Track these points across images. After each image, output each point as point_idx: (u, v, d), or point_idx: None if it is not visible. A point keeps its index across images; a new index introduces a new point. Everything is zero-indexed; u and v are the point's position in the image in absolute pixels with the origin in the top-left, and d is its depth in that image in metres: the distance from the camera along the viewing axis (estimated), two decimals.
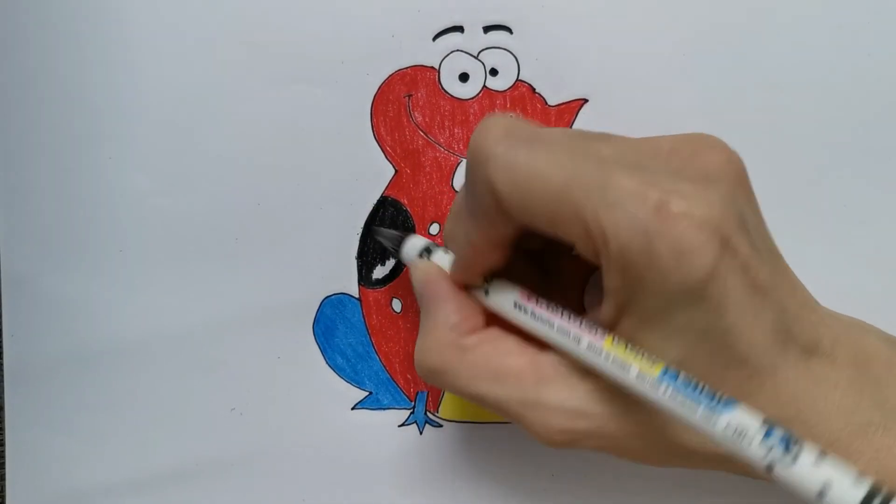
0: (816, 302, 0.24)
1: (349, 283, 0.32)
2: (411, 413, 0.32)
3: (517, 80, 0.31)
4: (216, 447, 0.32)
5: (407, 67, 0.31)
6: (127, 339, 0.32)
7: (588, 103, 0.31)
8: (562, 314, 0.24)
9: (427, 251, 0.27)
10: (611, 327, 0.22)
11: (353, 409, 0.32)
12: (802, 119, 0.31)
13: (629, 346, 0.22)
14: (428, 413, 0.32)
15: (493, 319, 0.26)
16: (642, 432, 0.23)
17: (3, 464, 0.32)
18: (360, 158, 0.31)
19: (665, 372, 0.21)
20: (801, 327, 0.23)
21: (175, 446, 0.32)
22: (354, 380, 0.32)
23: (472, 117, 0.31)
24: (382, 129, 0.31)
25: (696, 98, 0.31)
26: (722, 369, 0.22)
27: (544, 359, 0.24)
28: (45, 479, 0.32)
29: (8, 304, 0.32)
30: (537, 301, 0.24)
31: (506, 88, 0.31)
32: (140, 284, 0.32)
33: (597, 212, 0.20)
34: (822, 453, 0.19)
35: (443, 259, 0.27)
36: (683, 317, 0.21)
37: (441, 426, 0.32)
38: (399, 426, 0.32)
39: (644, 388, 0.21)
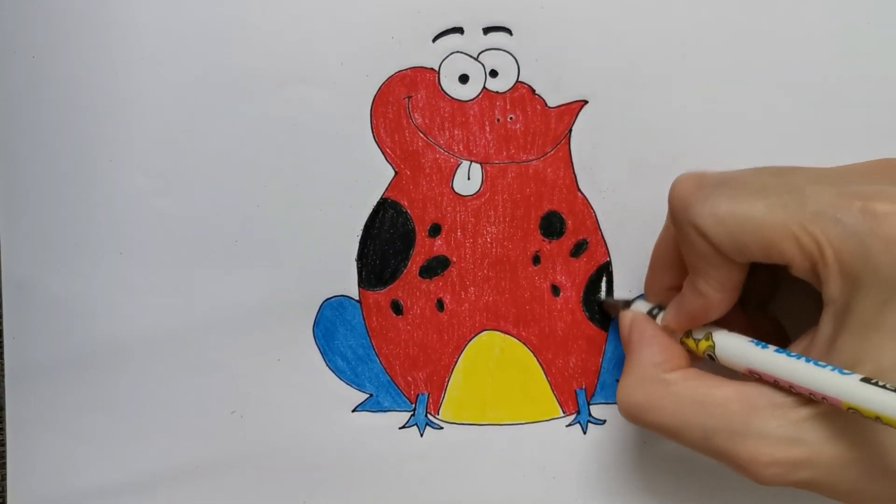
0: None
1: (349, 286, 0.32)
2: (412, 415, 0.32)
3: (517, 81, 0.31)
4: (216, 449, 0.32)
5: (407, 69, 0.31)
6: (127, 341, 0.32)
7: (588, 104, 0.31)
8: (798, 359, 0.23)
9: (626, 304, 0.29)
10: (829, 345, 0.22)
11: (353, 411, 0.32)
12: (802, 119, 0.31)
13: (879, 383, 0.21)
14: (428, 415, 0.32)
15: (698, 358, 0.26)
16: (860, 458, 0.22)
17: (4, 464, 0.32)
18: (359, 160, 0.31)
19: None
20: None
21: (175, 448, 0.32)
22: (355, 382, 0.32)
23: (471, 119, 0.31)
24: (382, 130, 0.31)
25: (696, 98, 0.31)
26: None
27: (753, 389, 0.24)
28: (45, 480, 0.32)
29: (9, 306, 0.32)
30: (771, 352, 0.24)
31: (506, 90, 0.31)
32: (140, 286, 0.32)
33: (805, 225, 0.21)
34: None
35: (644, 307, 0.28)
36: None
37: (441, 428, 0.32)
38: (400, 428, 0.32)
39: None
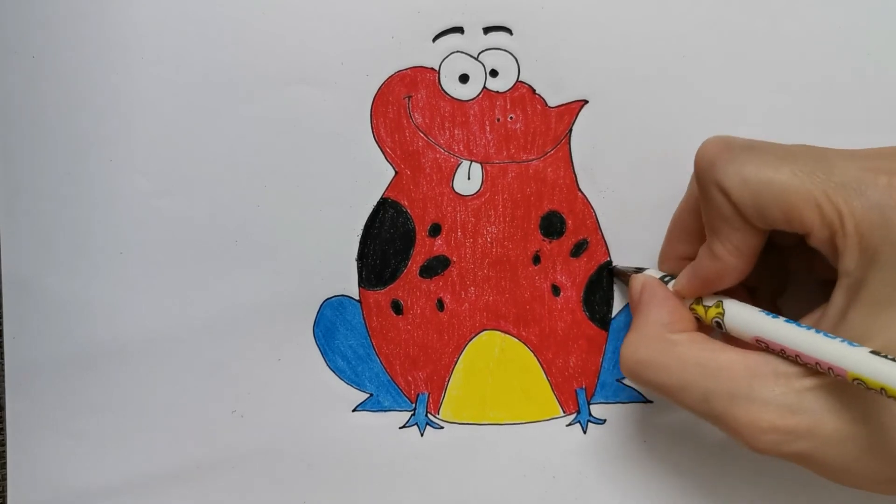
0: None
1: (349, 285, 0.32)
2: (412, 415, 0.32)
3: (517, 81, 0.31)
4: (217, 449, 0.32)
5: (407, 69, 0.31)
6: (127, 341, 0.32)
7: (588, 104, 0.31)
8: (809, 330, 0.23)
9: (638, 269, 0.29)
10: (840, 319, 0.22)
11: (353, 410, 0.32)
12: (802, 120, 0.31)
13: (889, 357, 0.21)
14: (429, 415, 0.32)
15: (705, 327, 0.26)
16: (859, 434, 0.22)
17: (4, 464, 0.32)
18: (359, 160, 0.31)
19: None
20: None
21: (176, 448, 0.32)
22: (355, 382, 0.32)
23: (471, 118, 0.31)
24: (382, 130, 0.31)
25: (695, 98, 0.31)
26: None
27: (758, 357, 0.24)
28: (45, 480, 0.32)
29: (9, 306, 0.32)
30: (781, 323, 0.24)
31: (506, 89, 0.31)
32: (140, 286, 0.32)
33: (829, 194, 0.21)
34: None
35: (656, 273, 0.28)
36: None
37: (442, 428, 0.32)
38: (400, 428, 0.32)
39: None
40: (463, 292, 0.31)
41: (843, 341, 0.21)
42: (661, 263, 0.30)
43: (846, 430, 0.22)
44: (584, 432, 0.32)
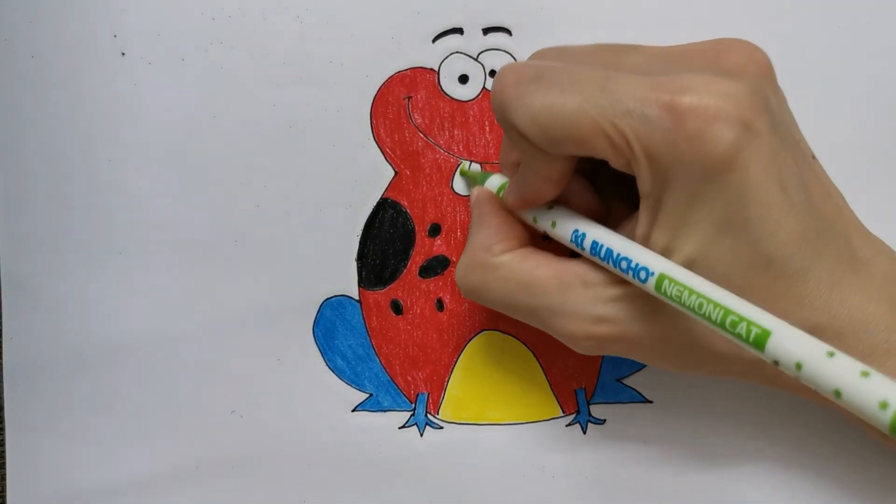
0: (853, 215, 0.24)
1: (349, 285, 0.32)
2: (412, 415, 0.32)
3: None
4: (216, 449, 0.32)
5: (406, 69, 0.31)
6: (127, 341, 0.32)
7: None
8: (620, 243, 0.24)
9: (484, 177, 0.29)
10: (645, 237, 0.23)
11: (353, 411, 0.32)
12: (802, 120, 0.30)
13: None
14: (428, 415, 0.32)
15: (533, 239, 0.27)
16: (667, 335, 0.23)
17: (4, 464, 0.32)
18: (359, 160, 0.31)
19: None
20: (835, 234, 0.23)
21: (175, 448, 0.32)
22: (355, 382, 0.32)
23: (471, 119, 0.31)
24: (382, 130, 0.31)
25: None
26: (746, 267, 0.22)
27: (569, 269, 0.25)
28: (45, 480, 0.32)
29: (8, 306, 0.32)
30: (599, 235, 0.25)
31: None
32: (139, 286, 0.32)
33: (614, 122, 0.21)
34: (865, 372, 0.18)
35: (496, 182, 0.28)
36: (706, 207, 0.21)
37: (441, 428, 0.32)
38: (399, 428, 0.32)
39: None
40: None
41: (643, 252, 0.23)
42: (502, 169, 0.29)
43: (652, 334, 0.24)
44: (584, 432, 0.32)
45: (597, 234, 0.24)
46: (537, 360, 0.32)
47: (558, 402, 0.32)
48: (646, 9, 0.31)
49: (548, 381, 0.32)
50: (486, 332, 0.32)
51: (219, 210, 0.31)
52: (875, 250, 0.24)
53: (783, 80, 0.24)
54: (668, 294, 0.22)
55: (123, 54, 0.31)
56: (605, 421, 0.32)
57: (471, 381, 0.32)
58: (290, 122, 0.31)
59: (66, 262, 0.32)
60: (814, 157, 0.24)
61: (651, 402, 0.31)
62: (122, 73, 0.31)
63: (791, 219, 0.21)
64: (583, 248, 0.25)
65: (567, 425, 0.32)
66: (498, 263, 0.26)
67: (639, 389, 0.32)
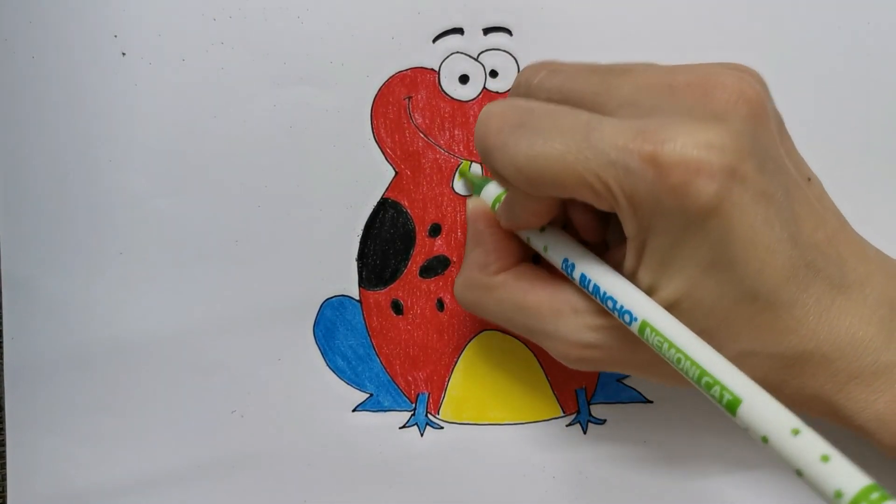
0: (854, 234, 0.24)
1: (349, 285, 0.32)
2: (412, 415, 0.32)
3: None
4: (217, 449, 0.32)
5: (407, 69, 0.31)
6: (127, 341, 0.32)
7: None
8: (608, 281, 0.24)
9: (483, 183, 0.29)
10: (633, 275, 0.24)
11: (353, 410, 0.32)
12: (802, 119, 0.31)
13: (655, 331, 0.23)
14: (429, 415, 0.32)
15: (529, 252, 0.28)
16: (655, 360, 0.24)
17: (4, 464, 0.32)
18: (360, 160, 0.31)
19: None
20: (826, 261, 0.23)
21: (175, 448, 0.32)
22: (355, 382, 0.32)
23: (472, 119, 0.31)
24: (382, 130, 0.31)
25: None
26: (732, 302, 0.22)
27: (561, 295, 0.26)
28: (45, 480, 0.32)
29: (8, 306, 0.32)
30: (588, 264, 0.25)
31: (506, 90, 0.31)
32: (140, 286, 0.32)
33: (597, 173, 0.22)
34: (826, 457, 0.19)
35: (492, 192, 0.28)
36: (690, 251, 0.22)
37: (442, 428, 0.32)
38: (400, 428, 0.32)
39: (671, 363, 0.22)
40: None
41: (630, 291, 0.24)
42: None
43: (638, 358, 0.25)
44: (584, 432, 0.32)
45: (585, 267, 0.25)
46: (538, 360, 0.32)
47: (559, 402, 0.32)
48: (645, 8, 0.31)
49: (548, 381, 0.32)
50: (486, 332, 0.32)
51: (219, 210, 0.31)
52: (872, 269, 0.24)
53: (780, 83, 0.24)
54: (650, 342, 0.23)
55: (124, 54, 0.31)
56: (605, 421, 0.32)
57: (471, 381, 0.32)
58: (291, 122, 0.31)
59: (66, 263, 0.32)
60: (809, 180, 0.25)
61: (651, 402, 0.31)
62: (123, 74, 0.31)
63: (777, 256, 0.22)
64: (572, 278, 0.25)
65: (567, 425, 0.32)
66: (493, 284, 0.27)
67: (639, 389, 0.32)
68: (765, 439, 0.20)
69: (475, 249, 0.28)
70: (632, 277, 0.24)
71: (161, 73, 0.31)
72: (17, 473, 0.32)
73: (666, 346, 0.22)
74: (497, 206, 0.28)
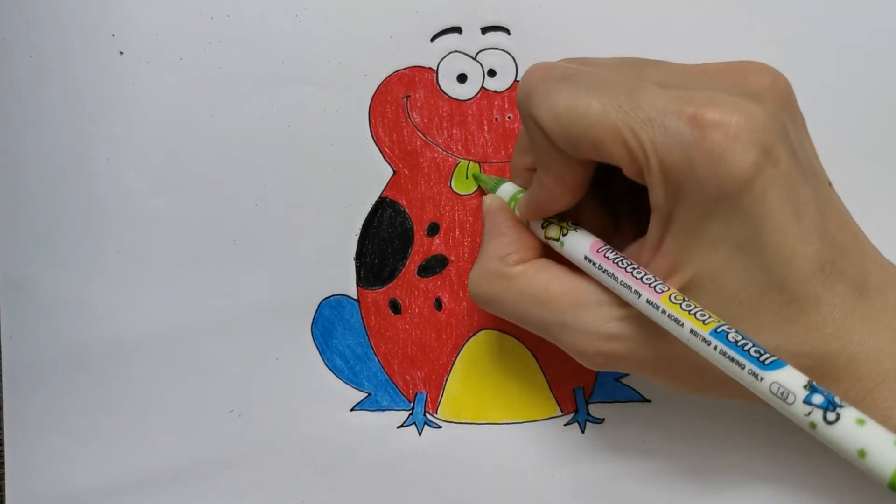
0: (870, 242, 0.24)
1: (347, 285, 0.32)
2: (410, 414, 0.32)
3: (515, 80, 0.31)
4: (215, 448, 0.32)
5: (405, 68, 0.31)
6: (125, 341, 0.32)
7: None
8: (627, 268, 0.24)
9: (497, 183, 0.29)
10: (655, 249, 0.23)
11: (351, 410, 0.32)
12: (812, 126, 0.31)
13: (684, 302, 0.22)
14: (427, 414, 0.32)
15: (547, 251, 0.27)
16: (675, 355, 0.23)
17: (2, 463, 0.32)
18: (358, 159, 0.31)
19: (716, 330, 0.21)
20: (849, 262, 0.23)
21: (174, 447, 0.32)
22: (353, 381, 0.32)
23: (470, 118, 0.31)
24: (381, 129, 0.31)
25: None
26: (759, 290, 0.22)
27: (584, 286, 0.25)
28: (44, 480, 0.32)
29: (6, 306, 0.32)
30: (606, 254, 0.25)
31: (504, 89, 0.31)
32: (138, 286, 0.32)
33: (634, 130, 0.21)
34: (861, 420, 0.19)
35: (508, 191, 0.28)
36: (720, 226, 0.21)
37: (440, 427, 0.32)
38: (398, 427, 0.32)
39: (696, 344, 0.21)
40: (461, 291, 0.31)
41: (647, 281, 0.23)
42: (512, 175, 0.29)
43: (660, 353, 0.24)
44: (583, 432, 0.32)
45: (601, 260, 0.24)
46: (536, 359, 0.32)
47: (557, 401, 0.32)
48: (645, 8, 0.31)
49: (546, 380, 0.32)
50: (484, 331, 0.32)
51: (217, 209, 0.31)
52: (890, 278, 0.24)
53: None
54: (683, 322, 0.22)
55: (122, 53, 0.31)
56: (603, 420, 0.32)
57: (469, 380, 0.32)
58: (289, 121, 0.31)
59: (65, 262, 0.32)
60: (830, 185, 0.24)
61: (649, 401, 0.31)
62: (121, 73, 0.31)
63: (806, 246, 0.21)
64: (597, 270, 0.25)
65: (565, 424, 0.32)
66: (513, 274, 0.26)
67: (637, 389, 0.32)
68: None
69: (494, 240, 0.27)
70: (654, 253, 0.23)
71: (159, 72, 0.31)
72: (15, 473, 0.32)
73: (707, 315, 0.21)
74: (513, 203, 0.27)
